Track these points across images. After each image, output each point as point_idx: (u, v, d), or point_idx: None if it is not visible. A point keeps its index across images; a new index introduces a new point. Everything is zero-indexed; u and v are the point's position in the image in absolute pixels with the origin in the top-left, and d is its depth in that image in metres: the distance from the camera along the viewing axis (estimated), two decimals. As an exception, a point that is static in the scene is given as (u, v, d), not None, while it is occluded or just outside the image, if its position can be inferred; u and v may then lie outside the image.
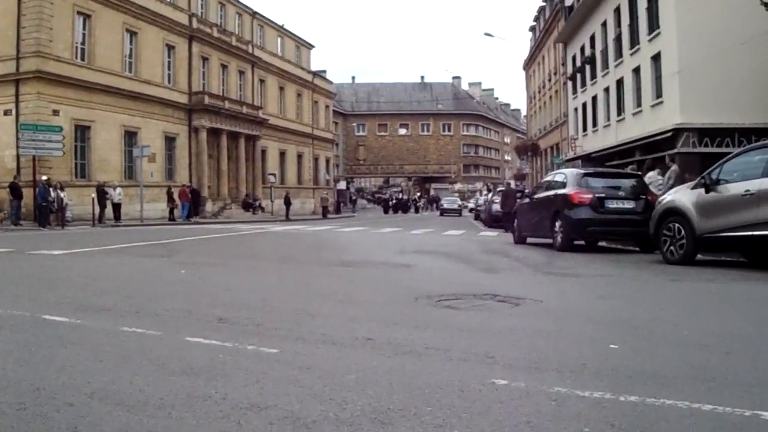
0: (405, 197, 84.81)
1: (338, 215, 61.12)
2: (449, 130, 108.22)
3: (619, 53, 35.68)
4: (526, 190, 23.39)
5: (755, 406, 3.33)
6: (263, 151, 55.41)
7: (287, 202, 49.84)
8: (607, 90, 38.32)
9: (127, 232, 24.30)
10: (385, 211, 69.97)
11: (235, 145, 50.30)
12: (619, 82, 35.61)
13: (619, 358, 4.43)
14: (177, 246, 16.76)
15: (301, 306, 6.57)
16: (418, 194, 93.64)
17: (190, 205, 38.67)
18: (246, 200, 49.77)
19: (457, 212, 60.87)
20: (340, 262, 12.20)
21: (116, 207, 33.58)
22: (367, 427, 3.02)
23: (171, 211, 38.19)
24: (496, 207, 31.20)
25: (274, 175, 55.31)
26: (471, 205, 59.94)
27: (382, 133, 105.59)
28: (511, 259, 13.01)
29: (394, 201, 75.16)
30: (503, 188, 34.27)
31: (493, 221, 31.18)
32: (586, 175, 15.85)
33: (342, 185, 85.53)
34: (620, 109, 35.74)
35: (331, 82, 76.67)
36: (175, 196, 38.37)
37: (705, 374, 3.98)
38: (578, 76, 45.39)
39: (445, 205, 64.82)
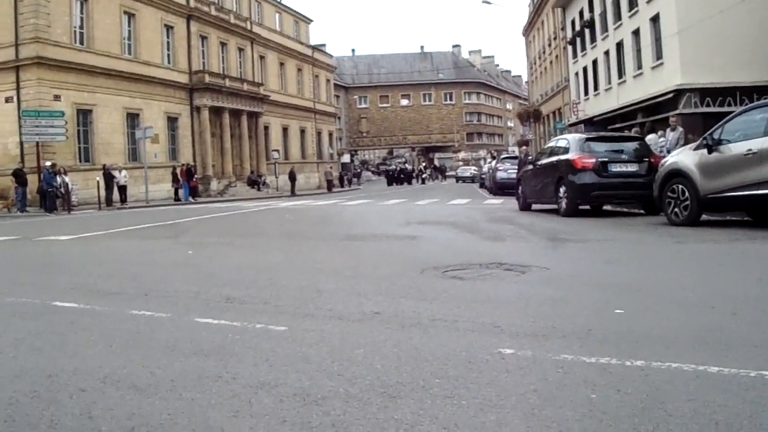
0: (410, 167, 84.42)
1: (343, 188, 61.07)
2: (451, 99, 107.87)
3: (618, 16, 35.47)
4: (530, 157, 23.31)
5: (761, 366, 3.35)
6: (266, 128, 55.26)
7: (292, 178, 49.81)
8: (607, 53, 38.13)
9: (133, 215, 24.34)
10: (389, 183, 69.64)
11: (237, 123, 50.19)
12: (619, 45, 35.44)
13: (625, 322, 4.45)
14: (183, 226, 16.78)
15: (307, 282, 6.59)
16: (424, 164, 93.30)
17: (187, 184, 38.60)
18: (250, 177, 49.73)
19: (471, 179, 66.80)
20: (346, 236, 12.21)
21: (122, 189, 33.71)
22: (377, 402, 3.04)
23: (176, 191, 38.22)
24: (501, 174, 31.17)
25: (278, 151, 55.23)
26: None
27: (384, 105, 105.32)
28: (516, 226, 13.01)
29: (398, 172, 74.72)
30: (516, 155, 34.05)
31: (498, 188, 31.15)
32: (588, 139, 15.82)
33: (346, 158, 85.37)
34: (621, 72, 35.60)
35: (331, 56, 76.31)
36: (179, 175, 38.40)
37: (710, 336, 4.00)
38: (578, 40, 45.16)
39: (460, 173, 74.80)
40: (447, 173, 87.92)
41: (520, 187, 18.91)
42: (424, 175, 77.48)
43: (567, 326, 4.34)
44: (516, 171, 24.43)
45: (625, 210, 16.64)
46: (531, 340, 4.04)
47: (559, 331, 4.20)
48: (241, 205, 30.48)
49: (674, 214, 11.79)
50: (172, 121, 43.56)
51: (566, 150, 15.79)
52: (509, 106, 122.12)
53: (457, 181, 71.33)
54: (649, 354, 3.62)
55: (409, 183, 71.15)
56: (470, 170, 73.88)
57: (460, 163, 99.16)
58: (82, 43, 36.03)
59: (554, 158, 16.39)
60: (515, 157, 32.02)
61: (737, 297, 5.23)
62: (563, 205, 15.20)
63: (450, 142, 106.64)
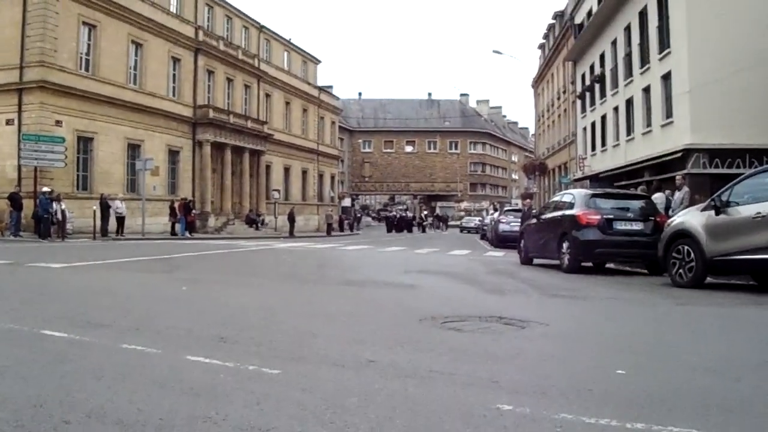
0: (410, 215, 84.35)
1: (342, 233, 61.07)
2: (456, 148, 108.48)
3: (629, 72, 35.74)
4: (534, 210, 23.38)
5: (764, 435, 3.32)
6: (267, 167, 55.46)
7: (291, 219, 49.85)
8: (616, 109, 38.35)
9: (127, 246, 24.32)
10: (389, 230, 69.41)
11: (239, 160, 50.37)
12: (629, 102, 35.65)
13: (626, 383, 4.42)
14: (178, 261, 16.77)
15: (303, 326, 6.57)
16: (425, 212, 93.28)
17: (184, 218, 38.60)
18: (249, 216, 49.76)
19: (476, 230, 66.06)
20: (344, 281, 12.21)
21: (119, 220, 33.64)
22: (369, 452, 3.01)
23: (173, 226, 38.22)
24: (503, 227, 31.19)
25: (278, 190, 55.40)
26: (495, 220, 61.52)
27: (388, 150, 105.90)
28: (517, 280, 12.99)
29: (398, 219, 74.57)
30: (519, 208, 34.07)
31: (499, 241, 31.16)
32: (594, 195, 15.84)
33: (347, 202, 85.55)
34: (630, 129, 35.75)
35: (337, 98, 76.85)
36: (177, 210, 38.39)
37: (713, 401, 3.97)
38: (587, 94, 45.48)
39: (465, 224, 76.62)
40: (449, 223, 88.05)
41: (522, 241, 18.92)
42: (425, 224, 77.32)
43: (567, 384, 4.31)
44: (519, 224, 24.48)
45: (629, 269, 16.63)
46: (530, 397, 4.01)
47: (559, 389, 4.17)
48: (239, 243, 30.49)
49: (678, 275, 11.78)
50: (173, 154, 43.73)
51: (571, 205, 15.84)
52: (514, 158, 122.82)
53: (461, 231, 71.82)
54: (651, 417, 3.59)
55: (410, 231, 70.98)
56: (475, 221, 74.07)
57: (463, 213, 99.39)
58: (87, 69, 36.27)
59: (558, 213, 16.42)
60: (518, 210, 32.07)
61: (741, 362, 5.21)
62: (566, 260, 15.20)
63: (453, 192, 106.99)
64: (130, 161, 38.85)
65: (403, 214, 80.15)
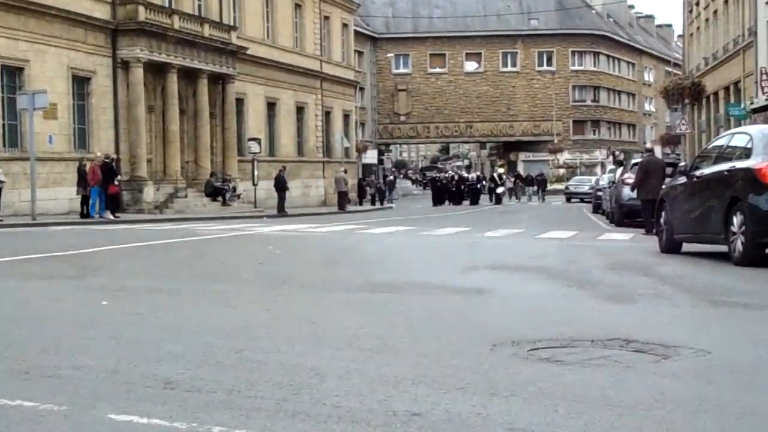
0: (475, 176, 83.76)
1: (365, 207, 61.15)
2: (550, 63, 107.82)
3: None
4: (682, 163, 23.22)
5: None
6: (239, 101, 55.47)
7: (280, 186, 49.90)
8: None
9: (9, 238, 24.48)
10: (438, 201, 68.88)
11: (192, 91, 50.31)
12: None
13: None
14: (94, 260, 16.89)
15: (301, 359, 6.60)
16: (500, 171, 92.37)
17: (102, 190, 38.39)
18: (212, 183, 49.87)
19: (590, 196, 63.12)
20: (368, 285, 12.28)
21: (-6, 195, 33.67)
22: None
23: (84, 202, 38.10)
24: (630, 193, 31.06)
25: (258, 140, 55.18)
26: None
27: (437, 70, 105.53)
28: (654, 279, 12.97)
29: (455, 182, 73.98)
30: (641, 158, 33.94)
31: (624, 216, 31.05)
32: (786, 136, 15.70)
33: (371, 157, 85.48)
34: None
35: (351, -14, 76.79)
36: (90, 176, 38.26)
37: None
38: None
39: (573, 187, 77.04)
40: (547, 187, 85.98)
41: (662, 214, 18.80)
42: (500, 190, 76.37)
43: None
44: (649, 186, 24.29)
45: None
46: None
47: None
48: (195, 228, 30.65)
49: None
50: (81, 83, 43.66)
51: (747, 152, 15.68)
52: (649, 76, 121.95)
53: (569, 200, 73.54)
54: None
55: (475, 201, 70.68)
56: (588, 182, 72.74)
57: (562, 170, 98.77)
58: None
59: (725, 166, 16.28)
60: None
61: None
62: (738, 245, 15.06)
63: (545, 136, 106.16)
64: (7, 96, 38.74)
65: (463, 175, 79.73)
